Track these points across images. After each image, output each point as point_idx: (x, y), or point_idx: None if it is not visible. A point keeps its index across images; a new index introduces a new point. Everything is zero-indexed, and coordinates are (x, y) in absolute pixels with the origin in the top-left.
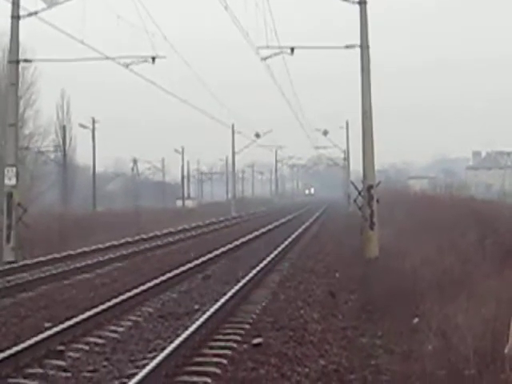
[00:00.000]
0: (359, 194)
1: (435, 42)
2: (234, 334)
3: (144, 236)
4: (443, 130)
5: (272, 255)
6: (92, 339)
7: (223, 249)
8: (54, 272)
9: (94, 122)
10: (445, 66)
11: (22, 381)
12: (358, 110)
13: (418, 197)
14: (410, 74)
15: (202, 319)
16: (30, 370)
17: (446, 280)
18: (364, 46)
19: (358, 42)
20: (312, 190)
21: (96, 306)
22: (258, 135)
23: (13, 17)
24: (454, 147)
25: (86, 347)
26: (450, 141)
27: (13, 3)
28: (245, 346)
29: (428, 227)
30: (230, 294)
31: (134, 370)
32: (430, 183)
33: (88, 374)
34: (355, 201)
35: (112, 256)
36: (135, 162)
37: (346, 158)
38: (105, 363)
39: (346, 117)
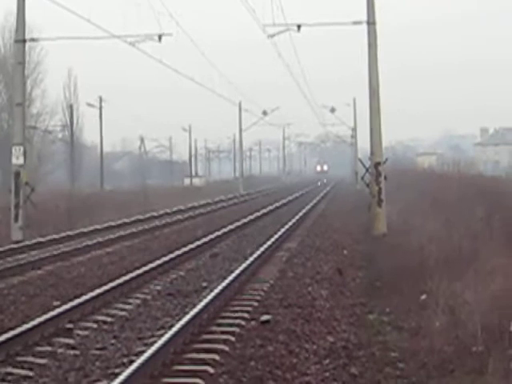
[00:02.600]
0: (367, 171)
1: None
2: (242, 311)
3: (152, 214)
4: (450, 106)
5: (280, 232)
6: (100, 317)
7: (231, 226)
8: (63, 250)
9: (101, 100)
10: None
11: (31, 359)
12: (365, 87)
13: (426, 174)
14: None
15: (209, 297)
16: (39, 348)
17: (454, 257)
18: (371, 23)
19: (364, 18)
20: (325, 167)
21: (104, 284)
22: (265, 113)
23: None
24: (461, 124)
25: (95, 325)
26: (457, 117)
27: None
28: (253, 323)
29: (436, 204)
30: (237, 271)
31: (142, 348)
32: (439, 160)
33: (96, 352)
34: (363, 178)
35: (120, 234)
36: (142, 140)
37: (354, 135)
38: (113, 341)
39: (353, 94)
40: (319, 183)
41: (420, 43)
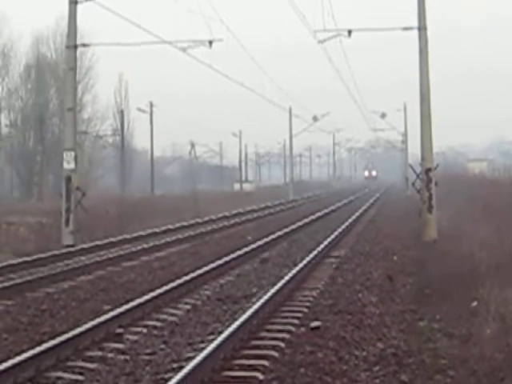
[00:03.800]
0: (417, 176)
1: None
2: (292, 317)
3: (202, 219)
4: (502, 111)
5: (330, 238)
6: (150, 322)
7: (281, 232)
8: (113, 255)
9: (151, 106)
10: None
11: (82, 363)
12: (416, 92)
13: (477, 179)
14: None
15: (259, 302)
16: (90, 353)
17: (505, 263)
18: (422, 28)
19: (415, 23)
20: (374, 172)
21: (154, 289)
22: (315, 118)
23: (71, 2)
24: None
25: (145, 330)
26: (509, 123)
27: None
28: (303, 329)
29: (487, 210)
30: (287, 277)
31: (192, 353)
32: (489, 166)
33: (146, 357)
34: (413, 184)
35: (170, 239)
36: (193, 145)
37: (404, 141)
38: (163, 346)
39: (404, 99)
40: (366, 190)
41: (471, 47)
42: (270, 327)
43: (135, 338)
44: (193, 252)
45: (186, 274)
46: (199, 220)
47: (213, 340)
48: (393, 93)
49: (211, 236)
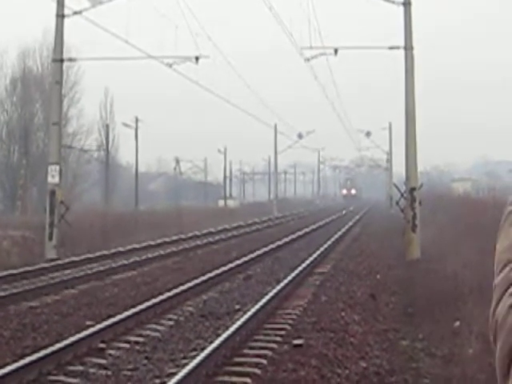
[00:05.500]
0: (402, 195)
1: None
2: (275, 334)
3: (186, 235)
4: (487, 132)
5: (313, 256)
6: (133, 338)
7: (264, 249)
8: (96, 270)
9: (137, 121)
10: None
11: (63, 378)
12: (402, 111)
13: (461, 199)
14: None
15: (242, 319)
16: (71, 368)
17: (488, 283)
18: (408, 48)
19: (401, 43)
20: (353, 191)
21: (137, 305)
22: (300, 136)
23: (58, 15)
24: (498, 150)
25: (127, 345)
26: (494, 143)
27: (58, 2)
28: (285, 346)
29: (470, 230)
30: (271, 294)
31: (174, 369)
32: (474, 186)
33: (128, 373)
34: (397, 203)
35: (153, 254)
36: (177, 161)
37: (389, 160)
38: (145, 362)
39: (389, 118)
40: (351, 208)
41: (456, 65)
42: (252, 344)
43: (117, 353)
44: (176, 268)
45: (169, 290)
46: (183, 236)
47: (195, 356)
48: (378, 111)
49: (194, 252)
